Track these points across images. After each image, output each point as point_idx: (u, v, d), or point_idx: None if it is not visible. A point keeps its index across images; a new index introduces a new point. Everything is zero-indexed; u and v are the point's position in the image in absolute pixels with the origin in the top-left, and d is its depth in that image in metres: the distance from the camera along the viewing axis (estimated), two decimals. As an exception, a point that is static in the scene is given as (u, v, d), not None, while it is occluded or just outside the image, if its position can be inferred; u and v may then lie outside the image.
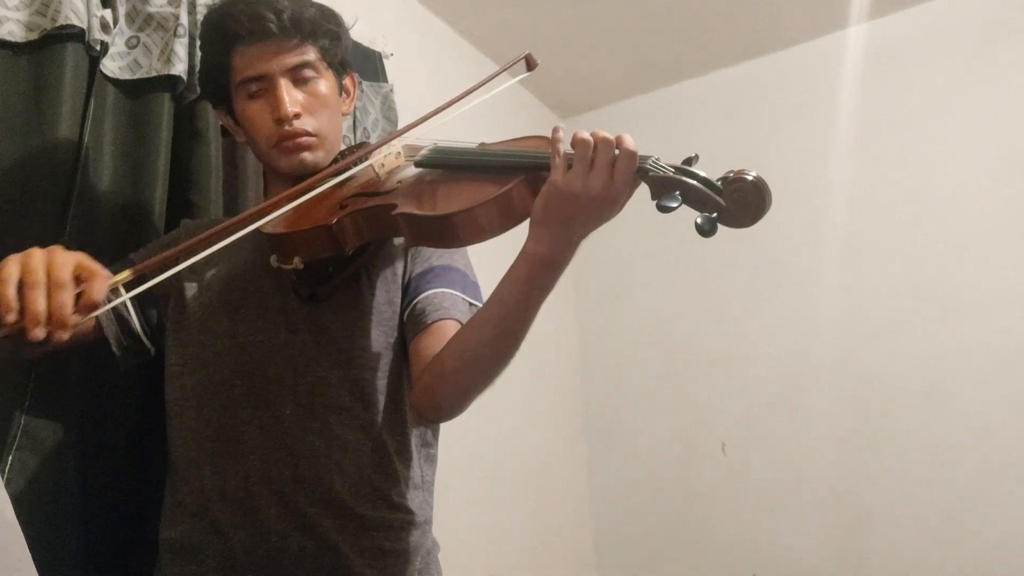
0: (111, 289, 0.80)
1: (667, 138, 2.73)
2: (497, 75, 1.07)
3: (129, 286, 0.82)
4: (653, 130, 2.84)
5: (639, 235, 2.78)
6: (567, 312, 3.02)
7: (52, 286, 0.74)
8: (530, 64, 1.13)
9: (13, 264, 0.76)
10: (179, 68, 1.32)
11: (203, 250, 0.86)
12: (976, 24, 2.43)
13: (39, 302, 0.74)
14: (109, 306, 0.83)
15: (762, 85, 2.78)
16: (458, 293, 1.06)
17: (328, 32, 1.11)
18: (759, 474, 2.57)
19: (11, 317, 0.73)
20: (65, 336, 0.74)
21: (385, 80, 1.95)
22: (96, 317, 0.98)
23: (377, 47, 1.99)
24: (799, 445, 2.51)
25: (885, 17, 2.57)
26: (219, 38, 1.08)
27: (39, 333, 0.73)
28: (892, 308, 2.42)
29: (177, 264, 0.85)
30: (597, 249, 2.84)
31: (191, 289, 1.11)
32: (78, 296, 0.76)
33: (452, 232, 0.88)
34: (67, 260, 0.77)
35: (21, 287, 0.74)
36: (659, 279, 2.88)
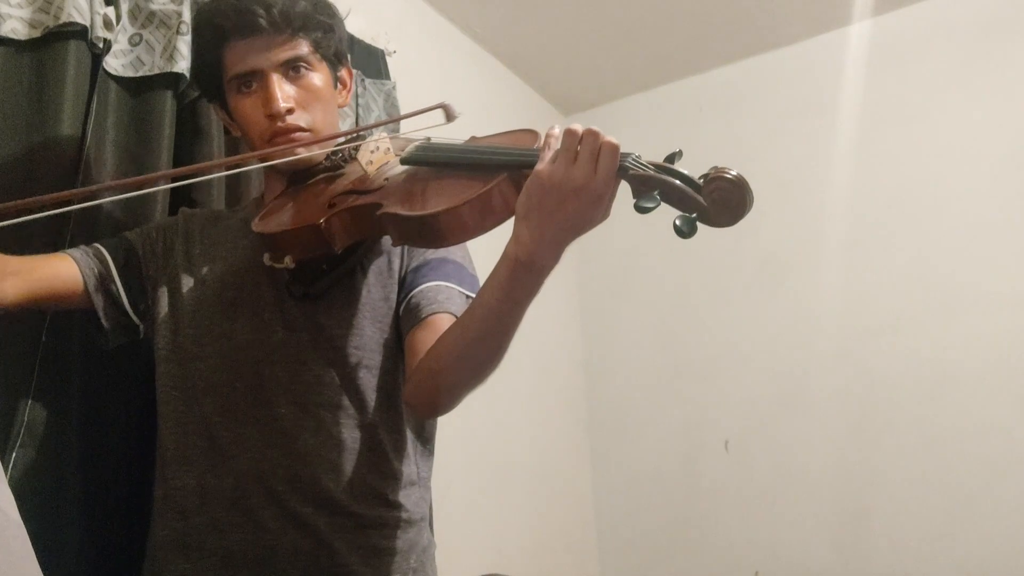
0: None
1: (669, 134, 2.72)
2: (410, 116, 1.07)
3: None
4: (655, 127, 2.83)
5: (641, 232, 2.75)
6: (570, 309, 3.02)
7: None
8: (449, 115, 1.08)
9: None
10: (182, 65, 1.32)
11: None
12: (978, 20, 2.42)
13: None
14: None
15: (765, 81, 2.77)
16: (454, 286, 1.04)
17: (321, 24, 1.08)
18: (762, 471, 2.57)
19: None
20: None
21: (388, 77, 1.95)
22: (85, 284, 1.04)
23: (380, 44, 1.99)
24: (802, 442, 2.51)
25: (887, 14, 2.55)
26: (210, 34, 1.07)
27: None
28: (894, 305, 2.41)
29: (48, 208, 0.84)
30: (600, 246, 2.84)
31: (186, 281, 1.10)
32: None
33: (437, 231, 0.87)
34: None
35: None
36: (662, 276, 2.87)
